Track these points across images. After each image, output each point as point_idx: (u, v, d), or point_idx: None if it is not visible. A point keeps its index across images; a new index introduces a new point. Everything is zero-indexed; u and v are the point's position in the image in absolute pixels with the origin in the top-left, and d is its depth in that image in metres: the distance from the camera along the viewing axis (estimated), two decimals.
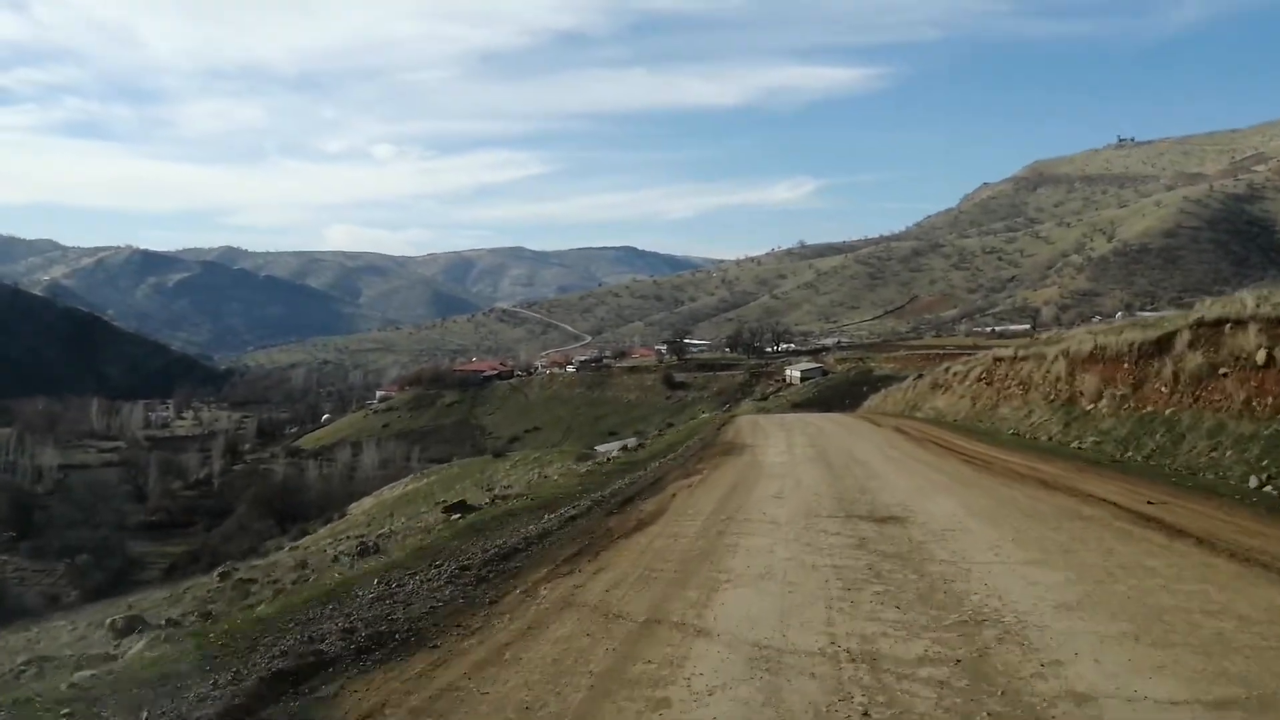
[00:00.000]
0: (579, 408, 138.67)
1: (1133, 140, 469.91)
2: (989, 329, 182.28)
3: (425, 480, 51.98)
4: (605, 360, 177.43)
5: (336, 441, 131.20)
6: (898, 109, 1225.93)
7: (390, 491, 55.29)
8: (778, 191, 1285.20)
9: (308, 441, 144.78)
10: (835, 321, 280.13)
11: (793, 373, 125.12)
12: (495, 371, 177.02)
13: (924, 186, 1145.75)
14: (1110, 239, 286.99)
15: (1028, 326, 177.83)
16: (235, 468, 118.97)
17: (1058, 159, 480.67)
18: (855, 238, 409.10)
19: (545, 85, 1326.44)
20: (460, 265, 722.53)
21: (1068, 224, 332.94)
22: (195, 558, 65.52)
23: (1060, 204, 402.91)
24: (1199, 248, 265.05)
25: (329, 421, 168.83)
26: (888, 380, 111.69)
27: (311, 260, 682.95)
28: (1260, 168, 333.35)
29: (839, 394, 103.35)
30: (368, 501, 55.98)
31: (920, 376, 41.47)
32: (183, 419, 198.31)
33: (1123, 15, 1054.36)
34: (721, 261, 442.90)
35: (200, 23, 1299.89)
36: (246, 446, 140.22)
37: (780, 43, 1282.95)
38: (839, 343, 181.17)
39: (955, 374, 33.57)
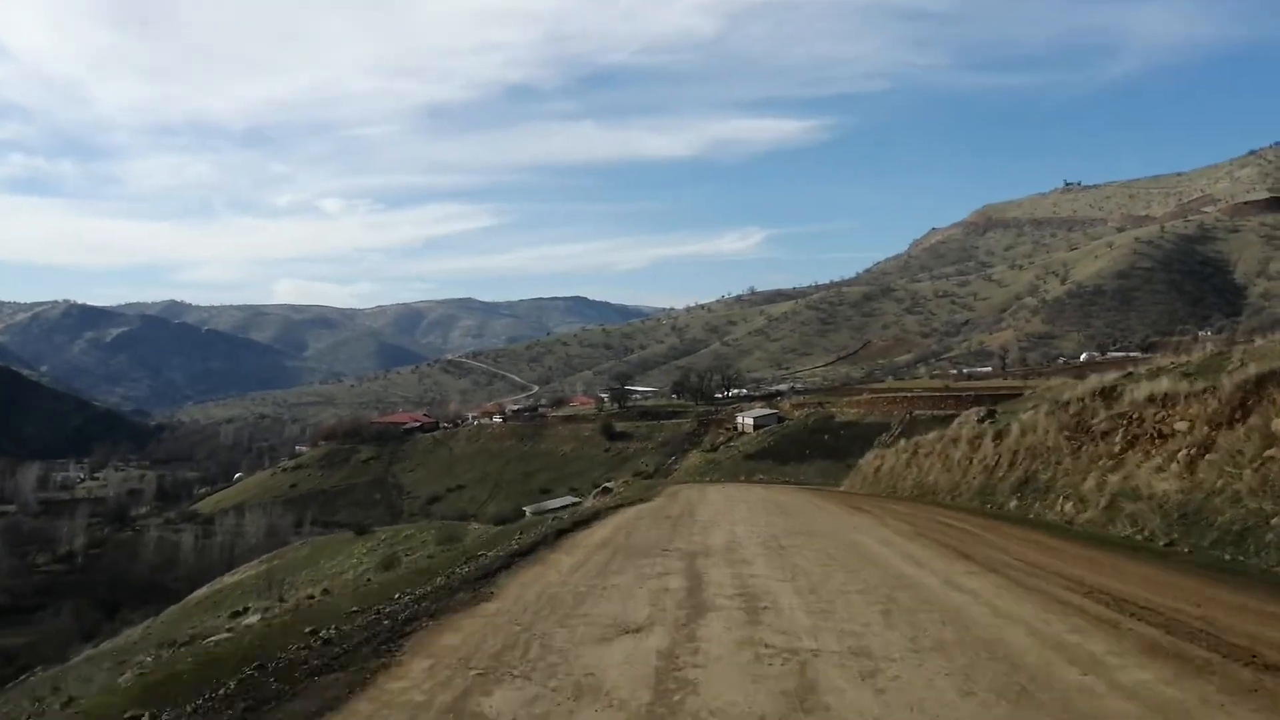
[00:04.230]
0: (509, 462, 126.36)
1: (1079, 184, 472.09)
2: (954, 371, 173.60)
3: (267, 565, 40.88)
4: (540, 409, 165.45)
5: (239, 503, 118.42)
6: (845, 159, 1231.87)
7: (231, 577, 44.15)
8: (727, 241, 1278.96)
9: (209, 504, 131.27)
10: (788, 368, 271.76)
11: (745, 420, 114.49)
12: (418, 424, 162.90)
13: (873, 234, 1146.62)
14: (1064, 281, 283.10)
15: (989, 370, 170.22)
16: (123, 535, 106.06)
17: (1005, 203, 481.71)
18: (806, 284, 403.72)
19: (494, 139, 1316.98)
20: (409, 317, 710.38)
21: (1020, 266, 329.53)
22: (10, 659, 53.38)
23: (1011, 247, 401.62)
24: (1153, 289, 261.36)
25: (241, 480, 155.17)
26: (851, 427, 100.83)
27: (256, 314, 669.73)
28: (1209, 209, 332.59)
29: (798, 444, 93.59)
30: (203, 591, 44.70)
31: (990, 419, 24.45)
32: (95, 479, 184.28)
33: (1059, 69, 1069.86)
34: (672, 310, 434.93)
35: (149, 79, 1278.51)
36: (144, 510, 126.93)
37: (728, 95, 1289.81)
38: (793, 388, 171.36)
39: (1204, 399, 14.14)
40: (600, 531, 16.92)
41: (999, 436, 21.26)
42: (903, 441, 30.84)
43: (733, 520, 17.93)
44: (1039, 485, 17.65)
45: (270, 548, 68.65)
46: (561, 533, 16.99)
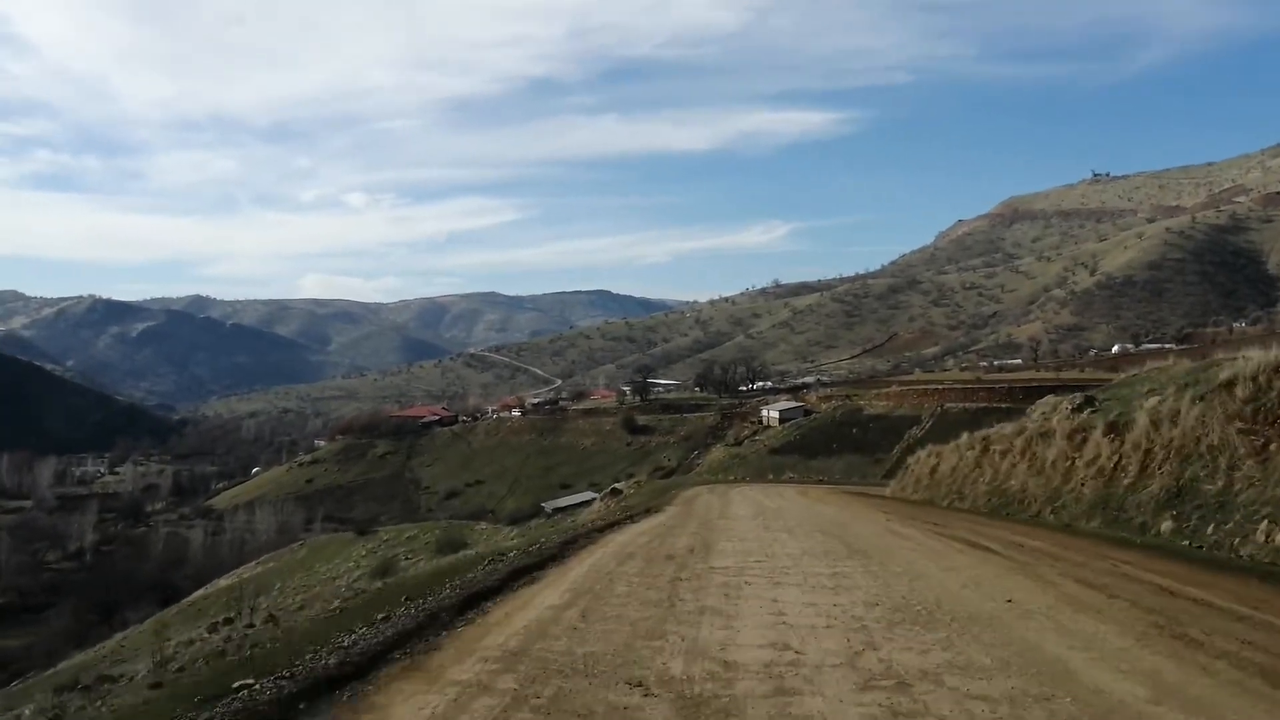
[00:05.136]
0: (528, 456, 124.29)
1: (1107, 175, 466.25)
2: (984, 363, 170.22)
3: (263, 567, 38.84)
4: (560, 403, 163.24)
5: (254, 499, 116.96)
6: (870, 151, 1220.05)
7: (226, 580, 42.10)
8: (751, 235, 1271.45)
9: (224, 499, 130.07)
10: (813, 361, 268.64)
11: (770, 413, 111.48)
12: (436, 418, 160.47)
13: (899, 226, 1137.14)
14: (1093, 272, 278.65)
15: (1019, 362, 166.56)
16: (135, 531, 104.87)
17: (1032, 195, 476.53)
18: (831, 276, 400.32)
19: (518, 132, 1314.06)
20: (433, 311, 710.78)
21: (1047, 258, 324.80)
22: (6, 664, 51.60)
23: (1038, 239, 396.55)
24: (1185, 280, 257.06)
25: (258, 475, 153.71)
26: (880, 420, 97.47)
27: (281, 308, 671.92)
28: (1241, 199, 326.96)
29: (826, 437, 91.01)
30: (200, 593, 42.73)
31: (1091, 407, 18.97)
32: (114, 474, 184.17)
33: (1087, 59, 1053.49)
34: (695, 303, 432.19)
35: (172, 74, 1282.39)
36: (159, 505, 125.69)
37: (751, 88, 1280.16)
38: (819, 381, 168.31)
39: None
40: (541, 599, 10.33)
41: (1114, 430, 15.96)
42: (965, 435, 24.73)
43: (773, 569, 11.60)
44: (1205, 500, 12.64)
45: (280, 544, 67.00)
46: (471, 602, 10.28)
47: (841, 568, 11.53)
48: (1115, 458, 15.40)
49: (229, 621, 19.38)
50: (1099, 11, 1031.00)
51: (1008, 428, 21.99)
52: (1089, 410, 18.43)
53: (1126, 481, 14.71)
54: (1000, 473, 20.47)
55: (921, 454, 27.87)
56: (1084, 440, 16.84)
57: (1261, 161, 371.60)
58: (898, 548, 13.60)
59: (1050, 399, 22.34)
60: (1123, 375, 23.33)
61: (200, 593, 41.26)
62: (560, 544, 16.27)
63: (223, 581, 41.95)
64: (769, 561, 12.31)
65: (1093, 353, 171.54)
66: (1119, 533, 13.79)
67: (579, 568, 12.75)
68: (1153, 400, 15.62)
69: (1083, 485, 16.12)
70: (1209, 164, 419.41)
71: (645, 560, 12.91)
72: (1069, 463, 17.05)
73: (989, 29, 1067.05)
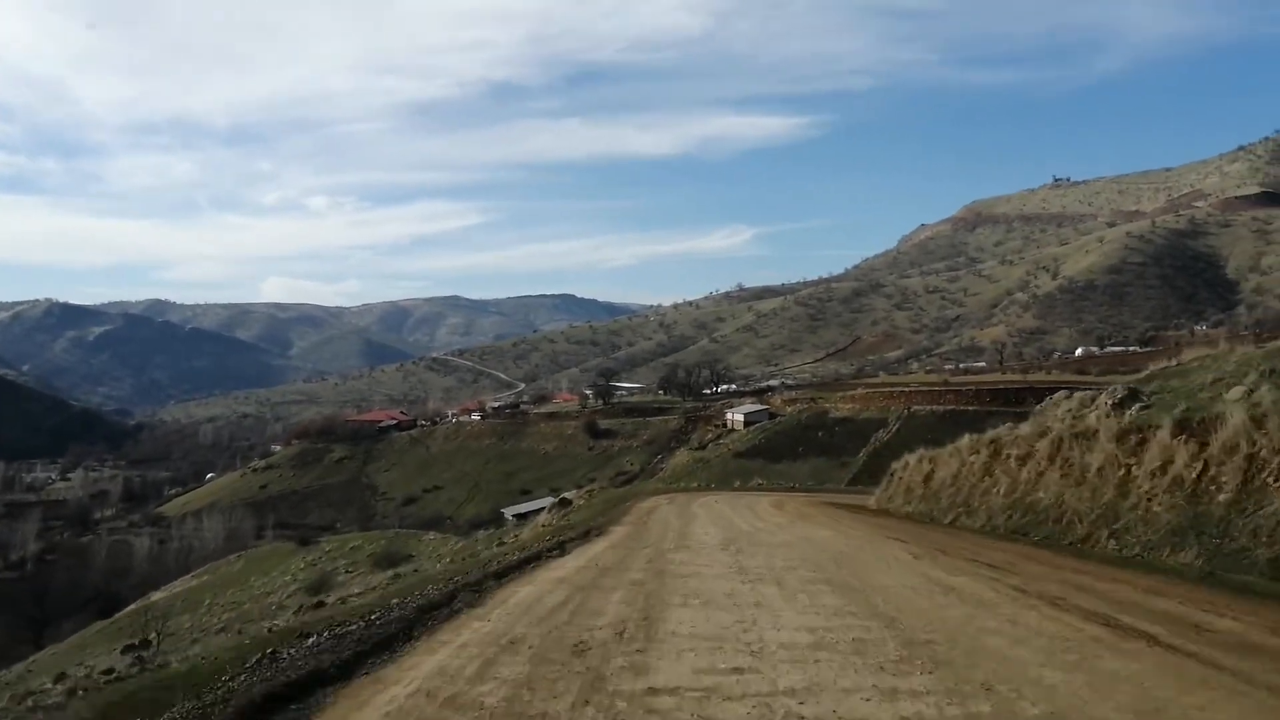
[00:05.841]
0: (488, 461, 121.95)
1: (1068, 180, 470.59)
2: (948, 366, 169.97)
3: (198, 581, 36.83)
4: (521, 406, 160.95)
5: (206, 506, 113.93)
6: (832, 156, 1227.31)
7: (159, 594, 39.95)
8: (715, 239, 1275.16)
9: (175, 506, 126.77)
10: (776, 364, 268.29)
11: (735, 416, 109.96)
12: (394, 422, 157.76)
13: (862, 231, 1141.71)
14: (1055, 276, 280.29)
15: (984, 365, 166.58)
16: (82, 539, 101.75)
17: (994, 199, 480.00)
18: (794, 280, 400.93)
19: (481, 136, 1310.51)
20: (396, 315, 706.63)
21: (1010, 262, 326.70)
22: None
23: (1000, 243, 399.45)
24: (1145, 284, 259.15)
25: (212, 481, 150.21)
26: (846, 423, 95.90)
27: (242, 312, 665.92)
28: (1200, 203, 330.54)
29: (791, 440, 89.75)
30: (131, 608, 40.47)
31: (1139, 403, 15.68)
32: (66, 480, 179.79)
33: (1047, 65, 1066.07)
34: (659, 306, 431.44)
35: (132, 77, 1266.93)
36: (109, 512, 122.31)
37: (714, 93, 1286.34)
38: (784, 384, 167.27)
39: None
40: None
41: (1186, 430, 12.63)
42: (967, 437, 20.78)
43: (770, 700, 6.11)
44: None
45: (228, 552, 64.84)
46: None
47: (909, 700, 6.01)
48: (1197, 465, 12.07)
49: (130, 649, 17.48)
50: (1060, 18, 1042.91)
51: (1024, 428, 18.41)
52: (1137, 406, 15.26)
53: (1223, 498, 11.25)
54: (1021, 482, 16.78)
55: (910, 459, 24.46)
56: (1142, 443, 13.53)
57: (1219, 166, 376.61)
58: (978, 632, 7.95)
59: (1063, 394, 18.96)
60: (1158, 365, 20.18)
61: (131, 608, 39.18)
62: (417, 610, 10.52)
63: (155, 595, 39.88)
64: (757, 671, 6.85)
65: (1056, 355, 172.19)
66: (1236, 572, 10.03)
67: (400, 686, 7.15)
68: (1236, 391, 12.42)
69: (1150, 501, 12.64)
70: (1168, 169, 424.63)
71: (533, 661, 7.58)
72: (1123, 471, 13.68)
73: (951, 34, 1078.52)
